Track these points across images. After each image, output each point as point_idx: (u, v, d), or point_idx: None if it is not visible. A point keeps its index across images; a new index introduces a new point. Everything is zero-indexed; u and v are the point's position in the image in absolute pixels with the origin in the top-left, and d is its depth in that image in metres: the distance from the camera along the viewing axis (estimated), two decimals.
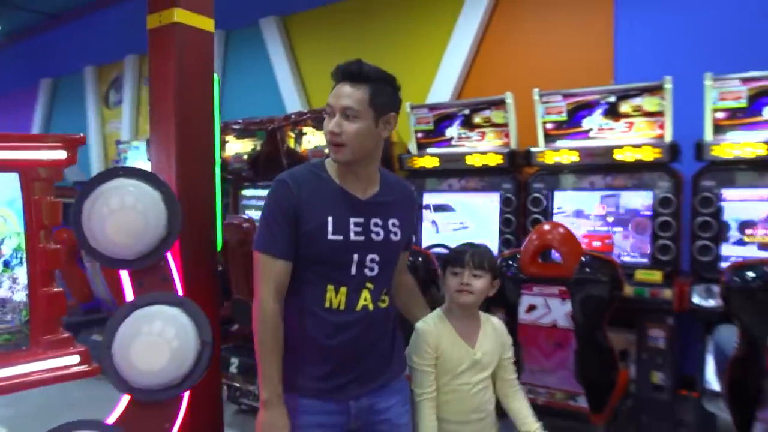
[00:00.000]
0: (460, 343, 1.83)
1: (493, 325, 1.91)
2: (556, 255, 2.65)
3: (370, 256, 1.70)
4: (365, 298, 1.70)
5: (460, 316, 1.86)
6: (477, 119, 3.91)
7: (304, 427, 1.68)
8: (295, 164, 2.12)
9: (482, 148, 3.88)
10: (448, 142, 4.02)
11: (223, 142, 4.90)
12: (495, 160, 3.76)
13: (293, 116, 4.48)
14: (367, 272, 1.70)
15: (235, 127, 4.69)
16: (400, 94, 1.74)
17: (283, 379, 1.67)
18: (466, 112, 3.92)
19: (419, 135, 4.10)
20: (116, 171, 1.84)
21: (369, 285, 1.71)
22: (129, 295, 1.76)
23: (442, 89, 4.87)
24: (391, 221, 1.75)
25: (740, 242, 3.14)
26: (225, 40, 6.62)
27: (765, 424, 2.33)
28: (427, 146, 4.10)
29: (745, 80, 3.12)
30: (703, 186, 3.21)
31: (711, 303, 2.97)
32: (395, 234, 1.74)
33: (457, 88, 4.85)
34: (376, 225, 1.72)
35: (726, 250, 3.14)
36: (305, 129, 4.29)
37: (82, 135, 2.17)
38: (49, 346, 2.06)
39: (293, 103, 5.74)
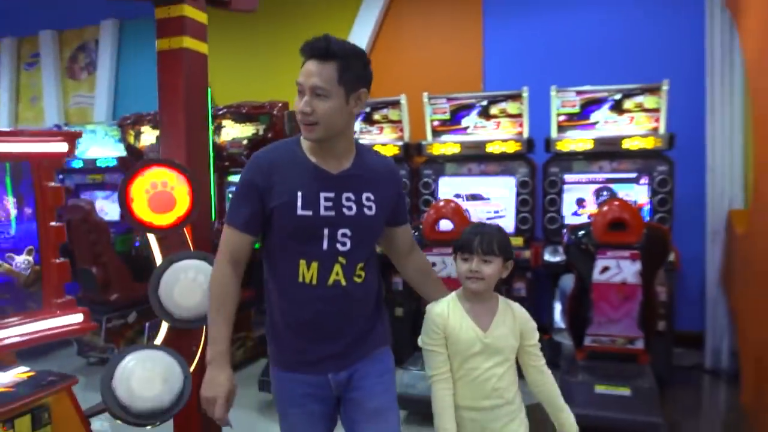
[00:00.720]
0: (471, 325, 1.78)
1: (512, 310, 1.84)
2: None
3: (341, 231, 1.67)
4: (337, 273, 1.67)
5: (473, 299, 1.81)
6: (376, 116, 4.66)
7: (288, 399, 1.75)
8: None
9: (381, 140, 4.64)
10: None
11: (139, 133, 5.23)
12: (392, 151, 4.54)
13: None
14: (339, 247, 1.67)
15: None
16: (371, 68, 1.71)
17: (269, 352, 1.78)
18: (367, 110, 4.65)
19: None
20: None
21: (341, 260, 1.68)
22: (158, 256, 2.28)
23: None
24: (365, 195, 1.71)
25: (576, 213, 4.21)
26: (119, 29, 6.76)
27: (591, 337, 3.34)
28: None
29: (578, 92, 4.18)
30: (551, 172, 4.24)
31: (557, 259, 3.99)
32: (369, 208, 1.71)
33: None
34: (348, 199, 1.69)
35: (567, 219, 4.19)
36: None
37: (80, 131, 2.60)
38: (58, 307, 2.50)
39: None
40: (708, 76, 4.38)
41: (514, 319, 1.81)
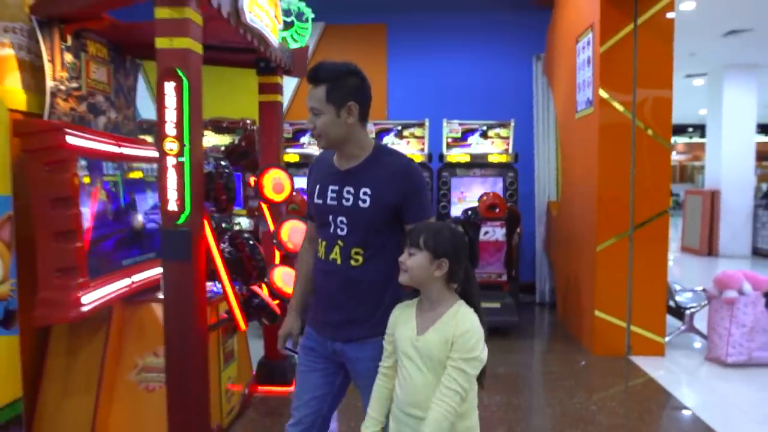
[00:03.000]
0: (411, 326, 1.76)
1: (455, 318, 1.72)
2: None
3: (339, 218, 1.92)
4: (336, 252, 1.94)
5: (426, 302, 1.79)
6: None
7: (303, 347, 2.07)
8: None
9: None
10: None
11: None
12: None
13: None
14: (339, 231, 1.93)
15: None
16: (362, 82, 1.91)
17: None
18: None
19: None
20: None
21: (340, 242, 1.93)
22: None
23: None
24: (362, 190, 1.89)
25: (457, 203, 6.38)
26: None
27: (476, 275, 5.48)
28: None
29: (460, 123, 6.36)
30: (442, 175, 6.36)
31: None
32: (364, 201, 1.88)
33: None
34: (348, 192, 1.91)
35: (453, 209, 6.34)
36: None
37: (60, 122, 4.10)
38: None
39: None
40: (535, 116, 6.87)
41: (453, 329, 1.69)
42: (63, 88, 3.01)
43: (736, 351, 4.52)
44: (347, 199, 1.92)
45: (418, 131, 6.38)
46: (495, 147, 6.38)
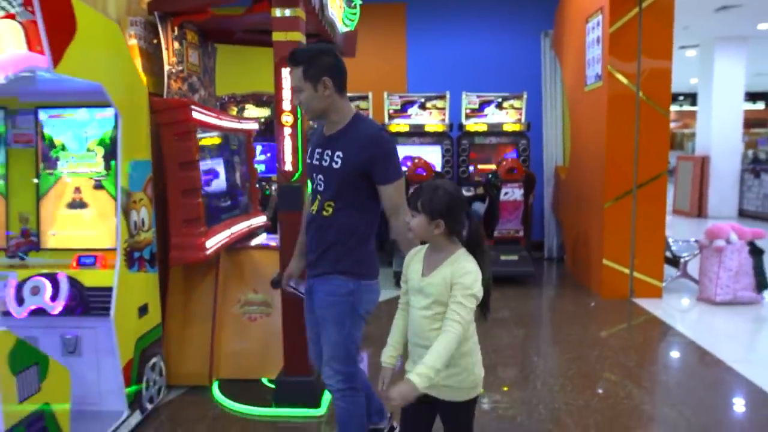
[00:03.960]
0: (419, 268, 1.96)
1: (457, 264, 1.89)
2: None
3: (319, 176, 2.27)
4: (315, 205, 2.29)
5: (431, 248, 1.98)
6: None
7: (305, 291, 2.47)
8: None
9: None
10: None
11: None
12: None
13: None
14: (318, 187, 2.29)
15: None
16: (334, 60, 2.21)
17: None
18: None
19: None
20: None
21: (318, 197, 2.29)
22: None
23: None
24: (336, 153, 2.20)
25: (476, 168, 7.04)
26: None
27: (497, 231, 6.16)
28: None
29: (478, 95, 6.99)
30: (462, 143, 7.01)
31: (470, 193, 6.77)
32: (336, 163, 2.19)
33: None
34: (327, 154, 2.24)
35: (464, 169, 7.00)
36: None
37: (188, 99, 4.70)
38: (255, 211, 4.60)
39: None
40: (543, 88, 7.51)
41: (450, 271, 1.87)
42: (174, 71, 3.62)
43: (724, 291, 5.27)
44: (325, 161, 2.23)
45: (439, 103, 7.00)
46: (509, 117, 7.03)
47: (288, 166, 3.11)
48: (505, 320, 4.89)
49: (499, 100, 7.01)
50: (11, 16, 2.32)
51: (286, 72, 3.07)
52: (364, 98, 7.08)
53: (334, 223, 2.25)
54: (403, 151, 7.01)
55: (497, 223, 6.15)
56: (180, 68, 3.71)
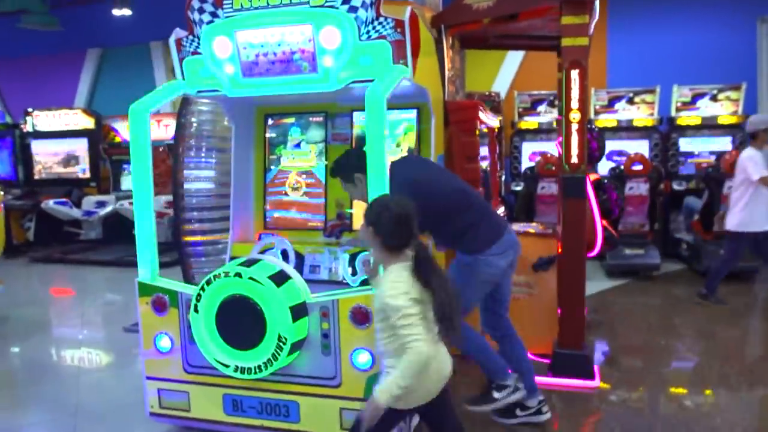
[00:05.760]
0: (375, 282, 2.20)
1: (382, 282, 2.01)
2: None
3: None
4: None
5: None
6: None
7: None
8: None
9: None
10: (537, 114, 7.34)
11: None
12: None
13: None
14: None
15: None
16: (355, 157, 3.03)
17: None
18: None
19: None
20: None
21: None
22: None
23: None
24: None
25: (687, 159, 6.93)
26: None
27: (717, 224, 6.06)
28: (525, 116, 7.35)
29: (690, 88, 6.87)
30: (671, 137, 6.92)
31: (682, 187, 6.67)
32: None
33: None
34: None
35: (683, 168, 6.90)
36: None
37: (477, 101, 5.10)
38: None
39: None
40: (759, 78, 7.19)
41: (380, 294, 1.98)
42: (449, 75, 4.09)
43: None
44: None
45: (648, 97, 6.98)
46: (724, 109, 6.83)
47: (574, 159, 3.44)
48: None
49: (714, 92, 6.83)
50: (383, 37, 2.86)
51: (574, 74, 3.40)
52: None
53: None
54: (610, 145, 7.09)
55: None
56: (452, 73, 4.18)
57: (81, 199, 8.34)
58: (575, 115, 3.41)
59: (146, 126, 2.83)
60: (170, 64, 10.17)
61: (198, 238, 3.69)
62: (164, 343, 2.85)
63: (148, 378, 2.93)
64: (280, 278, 2.56)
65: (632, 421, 3.14)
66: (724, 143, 6.79)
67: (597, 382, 3.53)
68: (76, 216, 7.81)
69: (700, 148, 6.90)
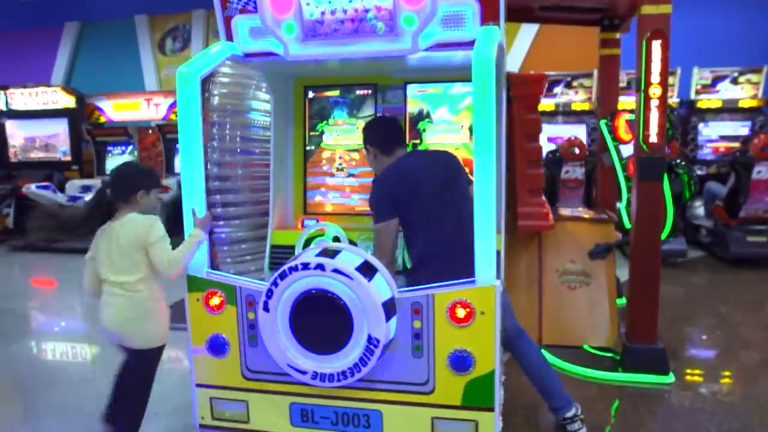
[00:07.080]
0: None
1: None
2: None
3: None
4: None
5: None
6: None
7: None
8: None
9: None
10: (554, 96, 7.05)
11: None
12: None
13: None
14: None
15: None
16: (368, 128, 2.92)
17: None
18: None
19: None
20: None
21: None
22: None
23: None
24: None
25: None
26: None
27: (744, 211, 5.88)
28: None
29: (711, 71, 6.68)
30: (691, 121, 6.73)
31: (702, 172, 6.51)
32: None
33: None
34: None
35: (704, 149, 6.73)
36: None
37: (543, 73, 4.80)
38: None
39: None
40: None
41: None
42: None
43: None
44: None
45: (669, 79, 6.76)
46: (744, 92, 6.67)
47: (653, 138, 3.16)
48: None
49: (735, 74, 6.67)
50: None
51: (656, 45, 3.10)
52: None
53: None
54: None
55: (745, 201, 5.89)
56: None
57: (63, 183, 7.76)
58: (655, 90, 3.13)
59: (196, 91, 2.42)
60: (156, 39, 9.64)
61: (221, 223, 3.28)
62: (218, 346, 2.47)
63: (198, 386, 2.54)
64: (368, 270, 2.21)
65: (726, 419, 2.89)
66: (737, 127, 6.62)
67: (671, 378, 3.29)
68: (61, 201, 7.23)
69: (719, 132, 6.74)
